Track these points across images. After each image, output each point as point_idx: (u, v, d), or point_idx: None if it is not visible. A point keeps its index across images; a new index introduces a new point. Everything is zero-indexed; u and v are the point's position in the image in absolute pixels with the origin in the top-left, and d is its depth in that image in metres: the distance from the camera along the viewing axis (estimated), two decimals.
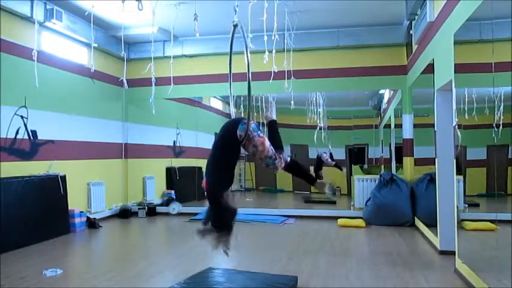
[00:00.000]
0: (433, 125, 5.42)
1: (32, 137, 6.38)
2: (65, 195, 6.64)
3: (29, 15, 6.08)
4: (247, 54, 3.07)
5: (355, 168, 10.02)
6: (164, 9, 6.50)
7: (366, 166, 10.55)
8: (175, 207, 8.73)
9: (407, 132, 7.66)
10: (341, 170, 10.56)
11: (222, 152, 3.06)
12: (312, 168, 10.41)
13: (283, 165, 3.30)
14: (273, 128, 3.53)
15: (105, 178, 8.08)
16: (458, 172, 4.40)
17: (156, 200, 9.34)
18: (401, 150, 7.93)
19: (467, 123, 4.17)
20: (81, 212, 7.05)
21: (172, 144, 10.08)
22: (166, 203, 9.02)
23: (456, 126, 4.34)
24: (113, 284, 4.16)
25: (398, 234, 6.51)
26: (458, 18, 4.21)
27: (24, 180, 5.93)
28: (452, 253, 4.52)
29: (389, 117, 9.31)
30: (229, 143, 3.06)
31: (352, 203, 8.42)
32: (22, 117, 6.21)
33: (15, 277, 4.35)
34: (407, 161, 7.65)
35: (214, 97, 10.86)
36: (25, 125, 6.25)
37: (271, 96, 8.16)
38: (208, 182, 3.01)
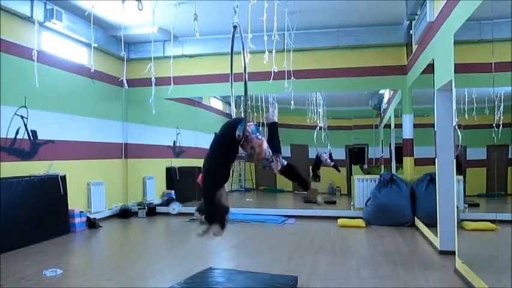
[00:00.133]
0: (433, 125, 5.41)
1: (32, 137, 6.38)
2: (65, 195, 6.64)
3: (29, 15, 6.09)
4: (244, 57, 3.11)
5: (355, 168, 10.02)
6: (164, 9, 6.51)
7: (366, 166, 10.55)
8: (175, 207, 8.72)
9: (407, 132, 7.66)
10: (339, 171, 10.60)
11: (220, 150, 3.10)
12: (311, 168, 10.46)
13: (279, 167, 3.37)
14: (273, 130, 3.54)
15: (105, 178, 8.08)
16: (458, 172, 4.40)
17: (156, 200, 9.35)
18: (401, 150, 7.93)
19: (467, 123, 4.17)
20: (81, 212, 7.05)
21: (172, 144, 10.08)
22: (166, 203, 9.03)
23: (456, 126, 4.34)
24: (112, 284, 4.16)
25: (398, 234, 6.51)
26: (458, 18, 4.21)
27: (24, 180, 5.93)
28: (452, 253, 4.52)
29: (389, 117, 9.31)
30: (228, 142, 3.10)
31: (352, 203, 8.42)
32: (22, 117, 6.21)
33: (15, 277, 4.35)
34: (407, 161, 7.65)
35: (214, 97, 10.87)
36: (25, 125, 6.25)
37: (272, 97, 8.16)
38: (203, 179, 3.05)
